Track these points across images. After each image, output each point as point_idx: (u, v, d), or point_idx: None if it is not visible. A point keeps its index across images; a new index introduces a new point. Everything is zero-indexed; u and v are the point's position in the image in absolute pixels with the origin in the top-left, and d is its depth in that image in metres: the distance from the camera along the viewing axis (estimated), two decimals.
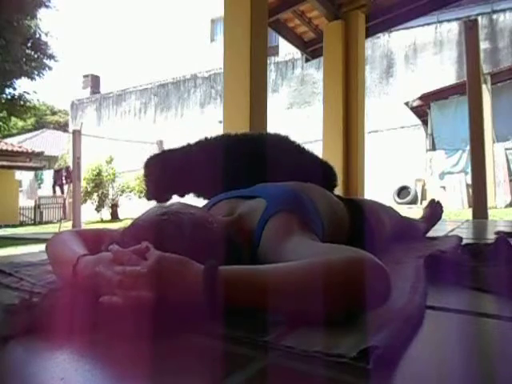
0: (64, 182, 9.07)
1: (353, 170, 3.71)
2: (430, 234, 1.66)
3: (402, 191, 9.95)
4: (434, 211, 1.77)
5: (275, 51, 12.80)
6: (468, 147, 5.24)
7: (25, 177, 14.08)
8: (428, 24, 10.88)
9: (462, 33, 7.56)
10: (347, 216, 1.16)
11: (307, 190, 1.02)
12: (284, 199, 0.88)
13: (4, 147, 12.41)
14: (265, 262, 0.72)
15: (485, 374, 0.47)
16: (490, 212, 3.88)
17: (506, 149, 8.16)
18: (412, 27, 10.74)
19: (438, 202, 1.81)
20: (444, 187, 8.63)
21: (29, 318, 0.58)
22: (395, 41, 11.41)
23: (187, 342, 0.55)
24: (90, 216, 11.62)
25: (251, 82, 2.25)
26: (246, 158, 1.26)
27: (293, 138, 1.42)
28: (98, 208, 12.21)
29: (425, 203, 6.46)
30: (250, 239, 0.81)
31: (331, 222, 1.01)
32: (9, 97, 12.55)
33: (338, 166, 3.69)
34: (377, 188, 8.41)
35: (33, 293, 0.75)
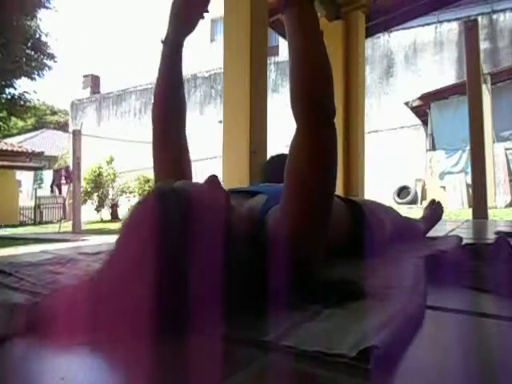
0: (63, 181, 9.07)
1: (353, 170, 3.70)
2: (430, 234, 1.66)
3: (402, 191, 9.96)
4: (434, 211, 1.77)
5: (275, 51, 12.80)
6: (468, 147, 5.24)
7: (25, 177, 14.09)
8: (428, 24, 10.89)
9: (461, 33, 7.56)
10: (346, 216, 1.15)
11: None
12: None
13: (4, 147, 12.41)
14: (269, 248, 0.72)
15: (485, 374, 0.47)
16: (490, 212, 3.88)
17: (506, 149, 8.17)
18: (412, 27, 10.75)
19: (438, 203, 1.81)
20: (444, 187, 8.63)
21: (29, 318, 0.58)
22: (395, 41, 11.42)
23: (187, 342, 0.55)
24: (90, 216, 11.61)
25: (251, 81, 2.25)
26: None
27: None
28: (98, 208, 12.21)
29: (425, 203, 6.46)
30: (251, 230, 0.81)
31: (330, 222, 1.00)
32: (9, 97, 12.54)
33: (337, 166, 3.69)
34: (377, 188, 8.40)
35: (33, 293, 0.75)
